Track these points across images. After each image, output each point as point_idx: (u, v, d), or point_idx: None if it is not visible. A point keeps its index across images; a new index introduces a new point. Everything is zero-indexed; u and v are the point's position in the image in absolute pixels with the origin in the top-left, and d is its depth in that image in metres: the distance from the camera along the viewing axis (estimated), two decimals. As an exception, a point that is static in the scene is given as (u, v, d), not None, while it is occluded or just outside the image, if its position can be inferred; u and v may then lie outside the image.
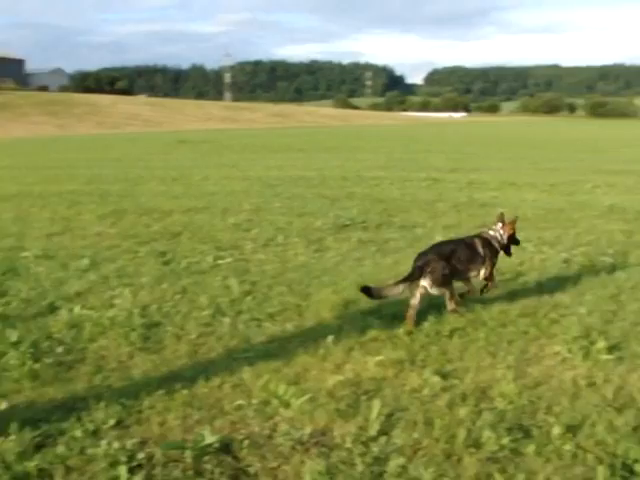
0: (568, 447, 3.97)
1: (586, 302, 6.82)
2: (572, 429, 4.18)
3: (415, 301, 6.17)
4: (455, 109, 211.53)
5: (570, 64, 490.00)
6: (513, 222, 6.93)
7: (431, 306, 6.53)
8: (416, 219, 11.81)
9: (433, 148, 35.17)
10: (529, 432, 4.18)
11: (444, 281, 6.19)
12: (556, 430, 4.13)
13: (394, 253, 9.11)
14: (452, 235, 10.06)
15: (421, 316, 6.22)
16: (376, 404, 4.42)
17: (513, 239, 6.93)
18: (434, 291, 6.22)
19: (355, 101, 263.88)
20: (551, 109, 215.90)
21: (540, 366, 5.22)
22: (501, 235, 6.76)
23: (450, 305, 6.29)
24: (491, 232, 6.78)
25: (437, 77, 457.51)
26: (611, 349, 5.49)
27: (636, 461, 3.84)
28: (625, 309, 6.65)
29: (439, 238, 9.70)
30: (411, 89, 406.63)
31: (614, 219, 12.17)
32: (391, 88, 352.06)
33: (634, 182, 19.04)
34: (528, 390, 4.76)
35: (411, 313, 6.14)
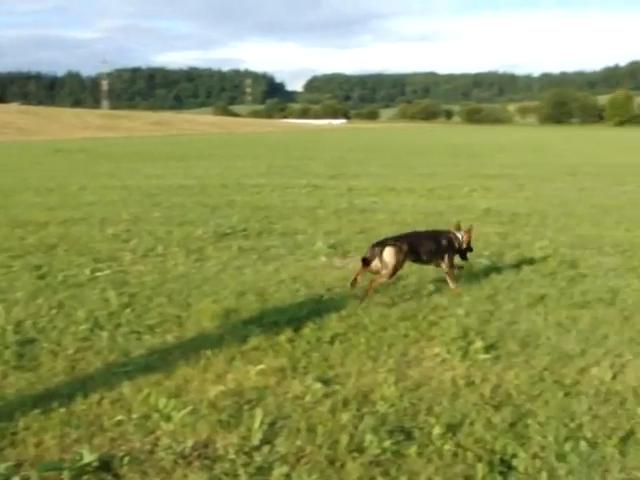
0: (448, 446, 4.07)
1: (464, 303, 7.04)
2: (452, 428, 4.28)
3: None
4: (335, 116, 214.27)
5: (446, 71, 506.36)
6: (469, 231, 7.81)
7: (312, 312, 6.58)
8: (297, 226, 11.86)
9: (314, 155, 35.47)
10: (411, 434, 4.25)
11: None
12: (437, 430, 4.22)
13: (275, 260, 9.11)
14: (332, 241, 10.19)
15: (302, 323, 6.26)
16: (258, 413, 4.40)
17: (469, 246, 7.83)
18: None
19: (235, 108, 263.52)
20: (429, 115, 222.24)
21: (420, 368, 5.32)
22: (461, 239, 7.67)
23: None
24: (457, 234, 7.68)
25: (317, 84, 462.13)
26: (488, 348, 5.68)
27: (514, 456, 3.98)
28: (501, 309, 6.90)
29: (320, 244, 9.84)
30: (291, 96, 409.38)
31: (490, 222, 12.63)
32: (271, 95, 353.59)
33: (508, 186, 19.81)
34: (409, 392, 4.85)
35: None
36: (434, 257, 7.50)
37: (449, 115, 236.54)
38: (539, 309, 6.91)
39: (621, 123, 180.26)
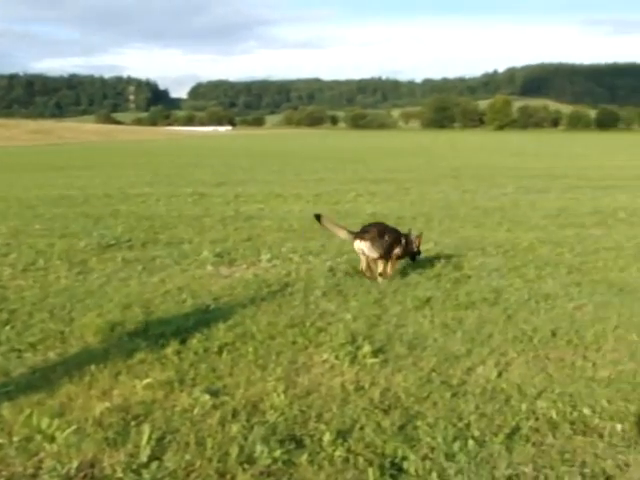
0: (339, 453, 4.07)
1: (351, 308, 7.10)
2: (342, 434, 4.29)
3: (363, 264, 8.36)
4: (220, 123, 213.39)
5: (331, 78, 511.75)
6: (420, 237, 8.94)
7: (199, 323, 6.49)
8: (183, 235, 11.70)
9: (199, 162, 35.14)
10: (301, 442, 4.23)
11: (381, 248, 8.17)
12: (327, 437, 4.23)
13: (161, 271, 8.95)
14: (219, 249, 10.11)
15: (189, 334, 6.17)
16: (146, 429, 4.29)
17: (419, 249, 8.89)
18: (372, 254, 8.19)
19: (119, 116, 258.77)
20: (314, 121, 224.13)
21: (309, 375, 5.32)
22: (413, 242, 8.73)
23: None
24: (412, 237, 8.70)
25: (202, 91, 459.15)
26: (376, 352, 5.74)
27: (404, 459, 4.03)
28: (388, 312, 6.99)
29: (206, 253, 9.75)
30: (176, 103, 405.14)
31: (376, 226, 12.78)
32: (155, 102, 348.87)
33: (393, 190, 20.18)
34: (299, 400, 4.83)
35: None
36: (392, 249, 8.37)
37: (334, 121, 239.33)
38: (425, 311, 7.04)
39: (501, 127, 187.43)
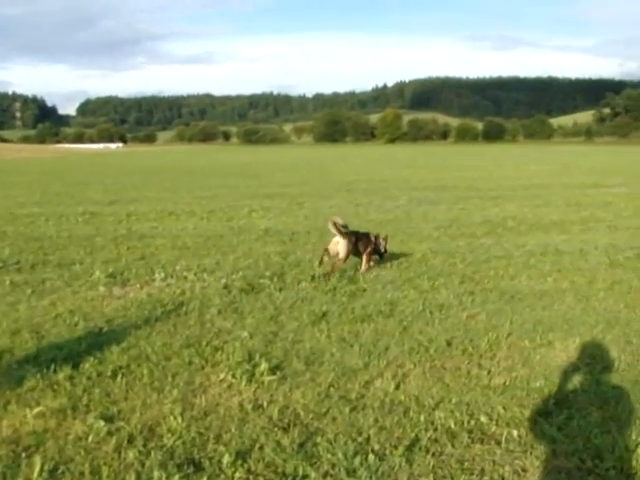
0: (239, 474, 4.04)
1: (248, 326, 7.06)
2: (242, 455, 4.26)
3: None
4: (111, 140, 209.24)
5: (222, 93, 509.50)
6: (386, 239, 10.57)
7: (92, 346, 6.32)
8: (74, 256, 11.36)
9: (90, 180, 34.26)
10: (200, 465, 4.17)
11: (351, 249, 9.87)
12: (227, 458, 4.18)
13: (51, 294, 8.65)
14: (111, 269, 9.89)
15: (81, 358, 5.99)
16: (37, 460, 4.14)
17: (385, 249, 10.52)
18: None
19: (5, 134, 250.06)
20: (206, 137, 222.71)
21: (207, 395, 5.24)
22: (381, 243, 10.42)
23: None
24: (381, 239, 10.43)
25: (91, 107, 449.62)
26: (274, 369, 5.72)
27: (305, 477, 4.03)
28: (285, 328, 6.98)
29: (99, 274, 9.52)
30: (64, 120, 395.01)
31: (270, 241, 12.81)
32: (43, 119, 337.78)
33: (288, 205, 20.23)
34: (196, 422, 4.76)
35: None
36: (365, 249, 10.03)
37: (227, 136, 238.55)
38: (322, 326, 7.07)
39: (391, 140, 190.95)
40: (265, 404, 5.06)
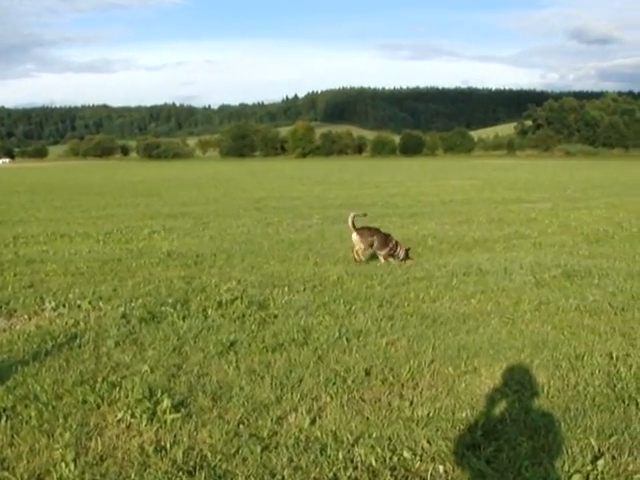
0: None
1: (148, 359, 6.89)
2: (141, 504, 4.11)
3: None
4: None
5: (120, 104, 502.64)
6: (408, 250, 13.05)
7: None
8: (-48, 284, 10.93)
9: (-29, 200, 33.26)
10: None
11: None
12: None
13: None
14: None
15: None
16: None
17: (404, 258, 12.83)
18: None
19: None
20: (103, 152, 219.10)
21: (103, 438, 5.08)
22: (398, 251, 12.93)
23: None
24: (400, 247, 12.98)
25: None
26: (178, 407, 5.59)
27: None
28: (189, 361, 6.85)
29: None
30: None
31: (173, 265, 12.62)
32: None
33: (191, 225, 20.03)
34: (91, 468, 4.60)
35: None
36: (381, 248, 12.83)
37: (125, 151, 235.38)
38: (230, 357, 6.97)
39: (304, 155, 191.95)
40: (168, 445, 4.93)
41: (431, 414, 5.49)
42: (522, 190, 36.79)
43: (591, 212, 23.23)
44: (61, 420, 5.38)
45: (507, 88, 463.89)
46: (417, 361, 6.76)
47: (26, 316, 8.82)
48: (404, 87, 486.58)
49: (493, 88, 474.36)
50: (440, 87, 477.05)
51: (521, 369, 6.58)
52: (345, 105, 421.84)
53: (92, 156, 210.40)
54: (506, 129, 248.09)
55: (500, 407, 5.67)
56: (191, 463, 4.67)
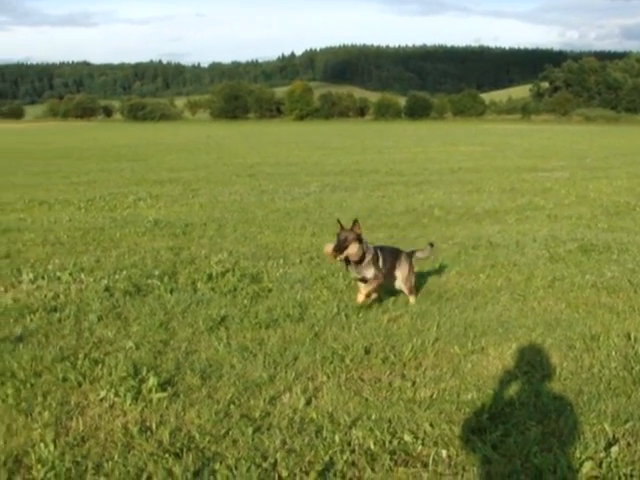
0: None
1: (133, 334, 6.95)
2: (123, 487, 4.17)
3: None
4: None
5: (102, 61, 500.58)
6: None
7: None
8: None
9: (-58, 164, 33.19)
10: (73, 500, 4.07)
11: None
12: (107, 492, 4.08)
13: None
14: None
15: None
16: None
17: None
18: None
19: None
20: (84, 112, 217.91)
21: (85, 417, 5.13)
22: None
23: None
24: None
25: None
26: (164, 385, 5.64)
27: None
28: (177, 337, 6.91)
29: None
30: None
31: (160, 235, 12.66)
32: None
33: (180, 192, 20.04)
34: (72, 449, 4.65)
35: None
36: None
37: (108, 112, 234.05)
38: (221, 333, 7.02)
39: (301, 117, 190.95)
40: (154, 426, 4.99)
41: (434, 396, 5.54)
42: (537, 158, 36.60)
43: (611, 182, 23.14)
44: (40, 399, 5.43)
45: (522, 47, 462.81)
46: (420, 339, 6.81)
47: (2, 288, 8.87)
48: (410, 45, 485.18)
49: (506, 47, 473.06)
50: (449, 45, 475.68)
51: (532, 349, 6.62)
52: (346, 64, 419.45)
53: (72, 117, 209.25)
54: (520, 91, 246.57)
55: (509, 389, 5.71)
56: (178, 444, 4.72)
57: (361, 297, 7.88)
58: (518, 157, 37.19)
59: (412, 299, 8.25)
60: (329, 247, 7.65)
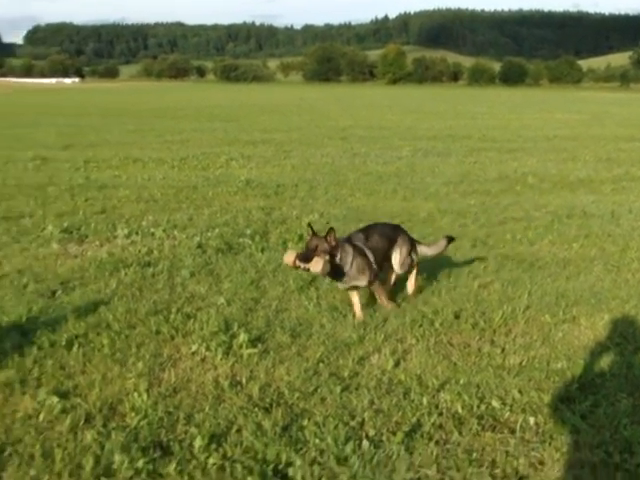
0: (213, 460, 4.04)
1: (225, 291, 7.07)
2: (217, 438, 4.27)
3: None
4: (66, 74, 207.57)
5: (195, 22, 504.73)
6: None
7: (44, 311, 6.32)
8: (23, 208, 11.31)
9: (42, 121, 33.99)
10: (169, 449, 4.18)
11: None
12: (199, 442, 4.19)
13: (-5, 251, 8.63)
14: (66, 224, 9.85)
15: (32, 325, 5.99)
16: (-21, 441, 4.14)
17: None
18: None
19: None
20: (178, 73, 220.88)
21: (177, 370, 5.25)
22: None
23: None
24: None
25: (41, 35, 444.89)
26: (254, 342, 5.72)
27: (289, 464, 4.02)
28: (267, 295, 6.99)
29: (51, 229, 9.48)
30: (10, 50, 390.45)
31: (252, 195, 12.80)
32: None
33: (272, 153, 20.17)
34: (164, 399, 4.77)
35: None
36: None
37: (202, 72, 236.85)
38: (311, 293, 7.08)
39: (394, 81, 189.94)
40: (244, 381, 5.07)
41: (524, 363, 5.49)
42: (636, 127, 35.59)
43: None
44: (134, 350, 5.58)
45: (623, 12, 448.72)
46: (511, 306, 6.74)
47: (98, 242, 9.10)
48: (506, 9, 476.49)
49: (606, 12, 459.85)
50: (546, 10, 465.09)
51: (625, 321, 6.49)
52: (440, 28, 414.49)
53: (166, 77, 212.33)
54: (619, 59, 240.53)
55: (599, 360, 5.62)
56: (267, 400, 4.79)
57: (359, 312, 6.56)
58: (616, 126, 36.25)
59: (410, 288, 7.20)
60: (290, 256, 6.40)
